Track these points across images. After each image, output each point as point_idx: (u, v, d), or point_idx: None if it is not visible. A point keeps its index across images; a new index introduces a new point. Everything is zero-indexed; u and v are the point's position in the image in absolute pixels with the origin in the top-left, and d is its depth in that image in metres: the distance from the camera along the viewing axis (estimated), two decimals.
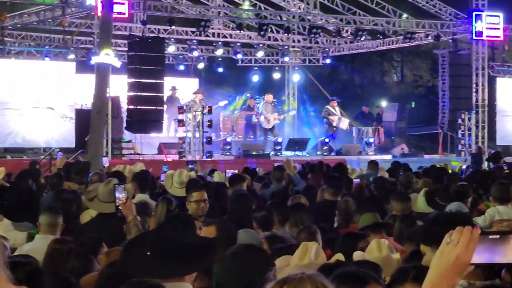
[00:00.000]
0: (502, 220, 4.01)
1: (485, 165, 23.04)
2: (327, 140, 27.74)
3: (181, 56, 30.55)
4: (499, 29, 28.18)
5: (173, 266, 3.48)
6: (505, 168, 17.22)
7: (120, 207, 6.64)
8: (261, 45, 30.81)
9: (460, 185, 9.99)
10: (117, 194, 6.69)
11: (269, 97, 28.44)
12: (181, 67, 30.59)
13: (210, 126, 23.95)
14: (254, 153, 25.28)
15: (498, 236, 2.43)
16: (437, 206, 8.73)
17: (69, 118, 23.49)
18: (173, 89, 27.84)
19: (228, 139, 27.08)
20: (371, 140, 28.42)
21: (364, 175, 14.59)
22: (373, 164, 15.81)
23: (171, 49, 28.15)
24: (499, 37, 28.52)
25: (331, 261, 4.46)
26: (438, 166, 17.31)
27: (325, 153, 26.97)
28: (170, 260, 3.48)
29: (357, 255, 5.05)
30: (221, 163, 22.00)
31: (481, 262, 2.46)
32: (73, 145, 22.89)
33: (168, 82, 26.28)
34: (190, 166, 15.12)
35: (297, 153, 27.01)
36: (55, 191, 9.74)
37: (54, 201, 8.87)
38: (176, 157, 23.40)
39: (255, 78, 32.78)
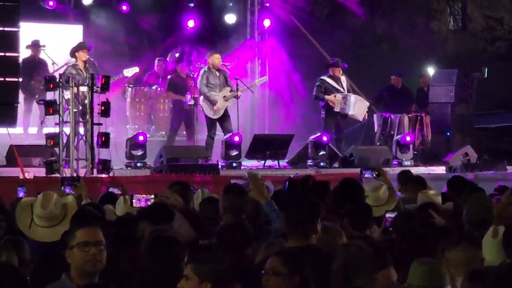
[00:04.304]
0: None
1: None
2: (325, 138, 19.55)
3: None
4: None
5: None
6: None
7: None
8: None
9: None
10: None
11: (214, 59, 18.95)
12: (51, 3, 20.81)
13: (105, 113, 17.03)
14: (188, 163, 17.97)
15: None
16: None
17: None
18: (35, 45, 19.79)
19: (141, 138, 18.84)
20: (408, 138, 20.24)
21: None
22: (411, 180, 11.16)
23: None
24: None
25: None
26: None
27: (322, 163, 19.18)
28: None
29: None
30: (125, 183, 14.50)
31: None
32: None
33: (30, 31, 19.88)
34: (67, 188, 10.18)
35: (270, 161, 19.41)
36: None
37: None
38: (42, 172, 17.37)
39: (191, 23, 22.93)
